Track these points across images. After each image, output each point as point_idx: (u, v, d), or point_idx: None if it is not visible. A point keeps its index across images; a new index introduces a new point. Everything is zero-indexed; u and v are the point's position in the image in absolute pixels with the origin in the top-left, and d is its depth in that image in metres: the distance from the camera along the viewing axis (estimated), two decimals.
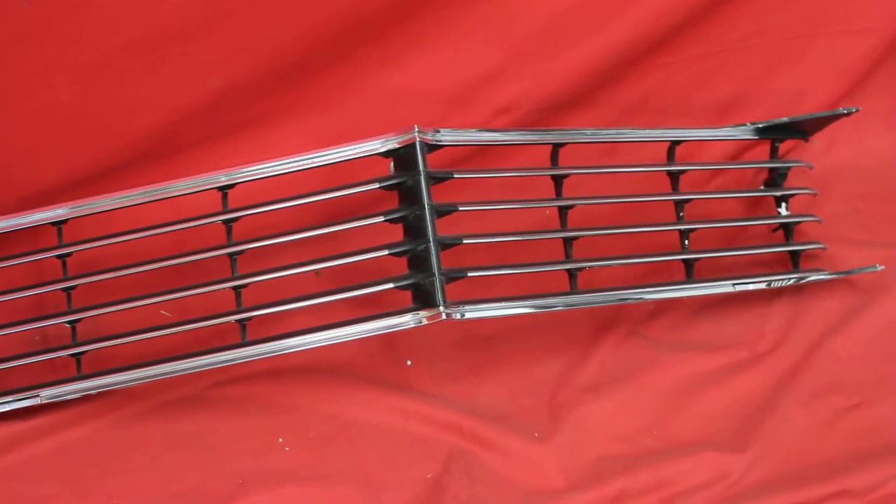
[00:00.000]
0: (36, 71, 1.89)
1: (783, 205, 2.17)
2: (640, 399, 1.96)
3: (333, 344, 1.85)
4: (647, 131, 2.05)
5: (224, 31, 1.93)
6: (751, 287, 2.04)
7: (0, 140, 1.95)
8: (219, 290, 1.87)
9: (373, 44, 2.03)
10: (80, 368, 1.86)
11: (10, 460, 1.85)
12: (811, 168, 2.21)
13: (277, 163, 1.88)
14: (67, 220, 1.90)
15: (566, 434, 1.91)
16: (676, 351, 2.02)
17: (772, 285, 2.07)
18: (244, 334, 1.84)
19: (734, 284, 2.02)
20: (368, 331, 1.84)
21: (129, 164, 2.01)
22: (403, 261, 1.87)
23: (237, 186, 1.89)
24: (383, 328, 1.83)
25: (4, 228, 1.90)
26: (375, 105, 2.09)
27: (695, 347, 2.03)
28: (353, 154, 1.86)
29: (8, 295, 1.90)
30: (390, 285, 1.85)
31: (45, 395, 1.84)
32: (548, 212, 2.06)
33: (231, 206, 1.89)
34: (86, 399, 1.88)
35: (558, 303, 1.92)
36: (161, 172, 2.00)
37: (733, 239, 2.19)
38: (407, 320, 1.82)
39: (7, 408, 1.85)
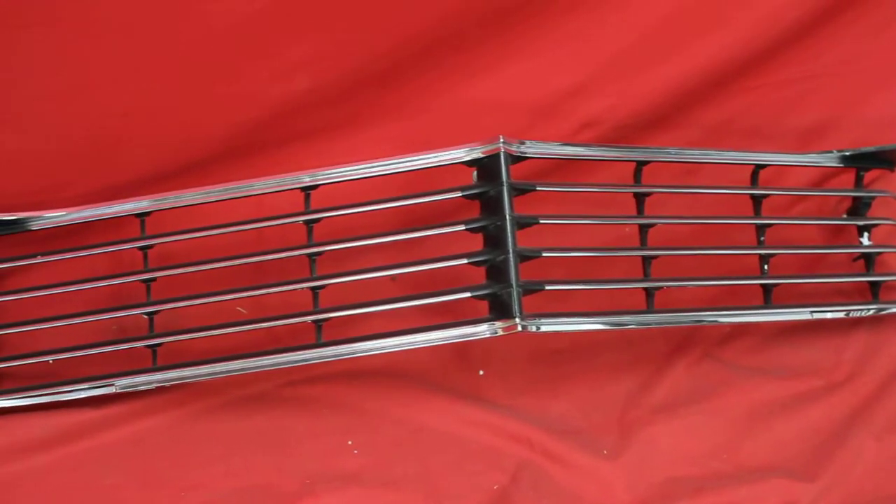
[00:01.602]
0: (130, 62, 1.89)
1: (865, 234, 2.15)
2: (711, 422, 1.95)
3: (407, 350, 1.84)
4: (732, 153, 2.03)
5: (316, 32, 1.94)
6: (829, 316, 2.02)
7: (89, 129, 1.95)
8: (297, 289, 1.87)
9: (462, 53, 2.03)
10: (155, 360, 1.87)
11: (79, 447, 1.87)
12: None
13: (362, 166, 1.88)
14: (151, 212, 1.92)
15: (635, 453, 1.90)
16: (750, 375, 2.00)
17: (850, 315, 2.05)
18: (319, 335, 1.85)
19: (812, 312, 2.00)
20: (443, 338, 1.84)
21: (214, 159, 2.01)
22: (479, 269, 1.86)
23: (319, 188, 1.89)
24: (458, 337, 1.83)
25: (88, 217, 1.93)
26: (460, 113, 2.09)
27: (769, 373, 2.02)
28: (438, 161, 1.87)
29: (89, 283, 1.92)
30: (468, 294, 1.84)
31: (120, 384, 1.86)
32: (627, 229, 2.04)
33: (313, 206, 1.89)
34: (159, 391, 1.89)
35: (634, 321, 1.91)
36: (245, 170, 2.01)
37: (813, 266, 2.16)
38: (482, 330, 1.82)
39: (82, 395, 1.88)
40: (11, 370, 1.94)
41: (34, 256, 1.95)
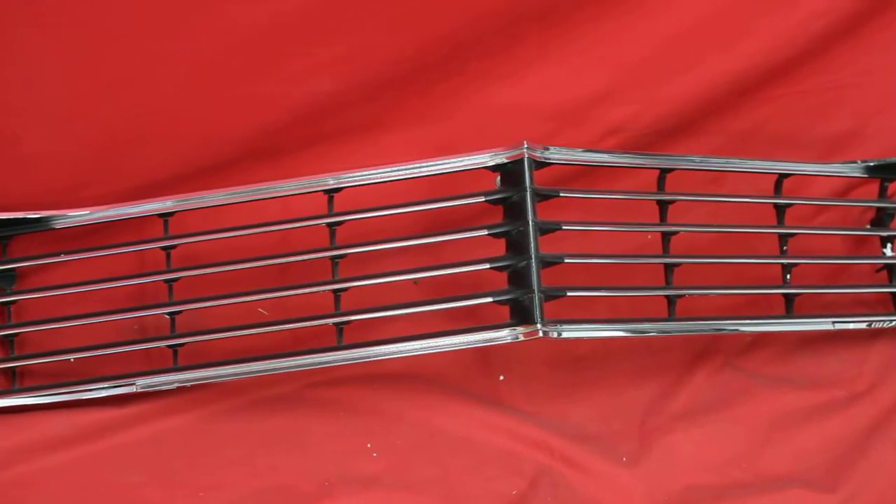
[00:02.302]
0: (154, 62, 1.90)
1: (889, 245, 2.14)
2: (731, 431, 1.94)
3: (428, 353, 1.84)
4: (756, 162, 2.03)
5: (340, 35, 1.94)
6: (851, 326, 2.02)
7: (113, 129, 1.96)
8: (319, 292, 1.87)
9: (486, 58, 2.03)
10: (176, 360, 1.88)
11: (101, 446, 1.87)
12: None
13: (385, 169, 1.89)
14: (174, 212, 1.92)
15: (654, 460, 1.90)
16: (771, 385, 2.00)
17: (872, 326, 2.04)
18: (341, 338, 1.85)
19: (834, 322, 2.00)
20: (464, 343, 1.84)
21: (238, 160, 2.02)
22: (500, 274, 1.86)
23: (342, 190, 1.90)
24: (479, 341, 1.84)
25: (112, 217, 1.94)
26: (484, 118, 2.09)
27: (790, 382, 2.01)
28: (462, 166, 1.87)
29: (111, 283, 1.93)
30: (489, 299, 1.85)
31: (141, 383, 1.86)
32: (650, 236, 2.04)
33: (336, 209, 1.89)
34: (180, 391, 1.90)
35: (655, 328, 1.90)
36: (268, 171, 2.02)
37: (836, 276, 2.16)
38: (504, 335, 1.82)
39: (102, 394, 1.88)
40: (33, 368, 1.95)
41: (57, 255, 1.96)
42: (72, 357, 1.91)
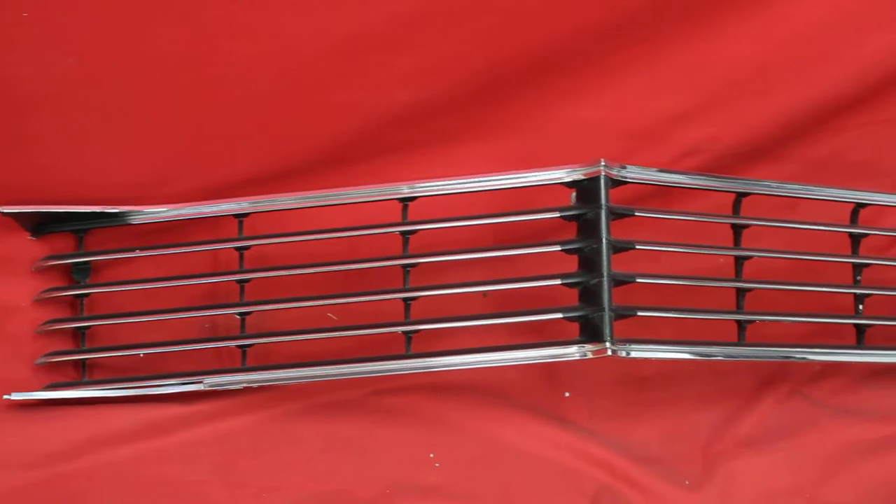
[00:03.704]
0: (239, 64, 1.91)
1: None
2: (796, 459, 1.93)
3: (495, 367, 1.83)
4: (833, 190, 2.01)
5: (421, 45, 1.94)
6: None
7: (193, 128, 1.98)
8: (390, 299, 1.88)
9: (565, 74, 2.03)
10: (245, 360, 1.89)
11: (166, 442, 1.88)
12: None
13: (462, 181, 1.90)
14: (250, 213, 1.93)
15: (717, 485, 1.89)
16: (839, 416, 1.98)
17: None
18: (409, 346, 1.85)
19: None
20: (532, 358, 1.84)
21: (314, 166, 2.03)
22: (568, 290, 1.86)
23: (416, 199, 1.90)
24: (547, 357, 1.84)
25: (189, 215, 1.96)
26: (560, 134, 2.09)
27: (858, 414, 1.99)
28: (538, 181, 1.87)
29: (185, 280, 1.95)
30: (559, 315, 1.85)
31: (209, 382, 1.88)
32: (721, 259, 2.03)
33: (409, 218, 1.90)
34: (246, 391, 1.91)
35: (722, 353, 1.90)
36: (343, 178, 2.03)
37: None
38: (572, 352, 1.82)
39: (170, 390, 1.89)
40: (102, 361, 1.97)
41: (132, 250, 1.97)
42: (142, 352, 1.93)
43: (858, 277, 2.02)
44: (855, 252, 2.03)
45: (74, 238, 1.99)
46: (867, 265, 2.02)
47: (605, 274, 1.81)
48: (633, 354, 1.81)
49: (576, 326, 1.85)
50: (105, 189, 1.99)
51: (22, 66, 1.87)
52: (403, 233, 1.90)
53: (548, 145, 2.08)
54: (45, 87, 1.90)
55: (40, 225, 1.99)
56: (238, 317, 1.91)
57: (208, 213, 1.95)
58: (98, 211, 1.95)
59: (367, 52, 1.93)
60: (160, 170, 1.99)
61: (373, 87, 1.99)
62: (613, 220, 1.84)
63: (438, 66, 1.98)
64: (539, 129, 2.09)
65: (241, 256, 1.93)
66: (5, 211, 1.94)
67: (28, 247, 2.00)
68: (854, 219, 2.04)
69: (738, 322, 1.91)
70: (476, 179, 1.89)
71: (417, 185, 1.90)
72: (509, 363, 1.84)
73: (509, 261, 2.00)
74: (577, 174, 1.86)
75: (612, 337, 1.79)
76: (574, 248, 1.86)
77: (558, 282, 1.85)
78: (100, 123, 1.95)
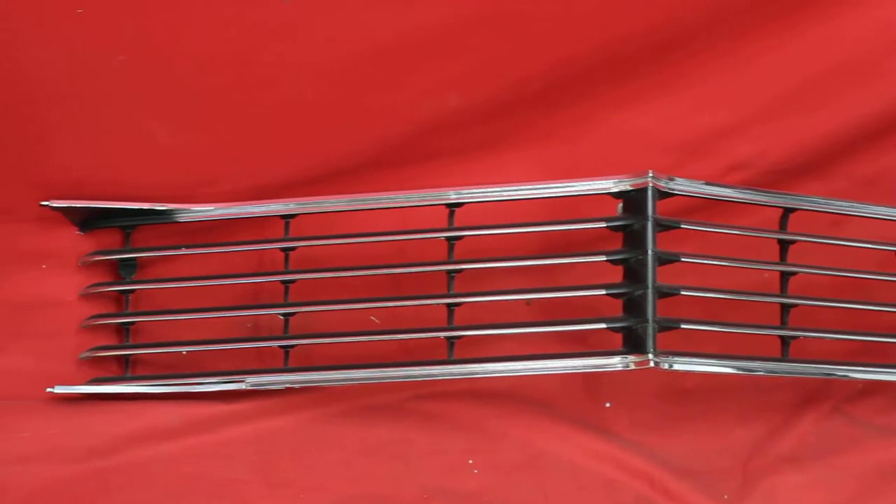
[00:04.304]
0: (283, 66, 1.92)
1: None
2: (837, 478, 1.91)
3: (536, 375, 1.84)
4: (881, 208, 2.01)
5: (472, 50, 1.94)
6: None
7: (239, 129, 1.98)
8: (434, 304, 1.88)
9: (615, 84, 2.03)
10: (287, 361, 1.90)
11: (207, 440, 1.89)
12: None
13: (508, 188, 1.90)
14: (296, 214, 1.94)
15: (756, 501, 1.88)
16: (882, 435, 1.97)
17: None
18: (451, 352, 1.86)
19: None
20: (574, 367, 1.84)
21: (360, 168, 2.03)
22: (613, 300, 1.86)
23: (463, 206, 1.91)
24: (590, 367, 1.84)
25: (236, 214, 1.97)
26: (607, 144, 2.08)
27: None
28: (585, 190, 1.87)
29: (231, 279, 1.97)
30: (603, 325, 1.85)
31: (251, 381, 1.89)
32: (766, 275, 2.02)
33: (455, 224, 1.90)
34: (287, 391, 1.91)
35: (765, 368, 1.89)
36: (388, 181, 2.03)
37: None
38: (615, 363, 1.82)
39: (212, 388, 1.90)
40: (146, 357, 1.99)
41: (178, 248, 1.98)
42: (185, 349, 1.94)
43: None
44: None
45: (121, 234, 2.01)
46: None
47: (649, 285, 1.81)
48: (676, 367, 1.81)
49: (619, 337, 1.85)
50: (153, 187, 2.00)
51: (74, 63, 1.88)
52: (449, 238, 1.90)
53: (594, 154, 2.09)
54: (96, 84, 1.91)
55: (88, 220, 2.00)
56: (282, 317, 1.91)
57: (255, 213, 1.96)
58: (146, 208, 1.97)
59: (417, 55, 1.93)
60: (206, 169, 2.00)
61: (420, 91, 1.99)
62: (659, 231, 1.84)
63: (488, 72, 1.98)
64: (587, 137, 2.09)
65: (287, 257, 1.94)
66: (55, 205, 1.95)
67: (76, 242, 2.02)
68: None
69: (782, 338, 1.90)
70: (523, 187, 1.90)
71: (464, 190, 1.91)
72: (551, 372, 1.84)
73: (553, 269, 1.99)
74: (624, 185, 1.85)
75: (654, 349, 1.79)
76: (619, 259, 1.86)
77: (603, 292, 1.85)
78: (147, 122, 1.95)
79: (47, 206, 1.96)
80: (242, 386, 1.89)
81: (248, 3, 1.87)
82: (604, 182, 1.86)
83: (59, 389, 1.90)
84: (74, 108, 1.93)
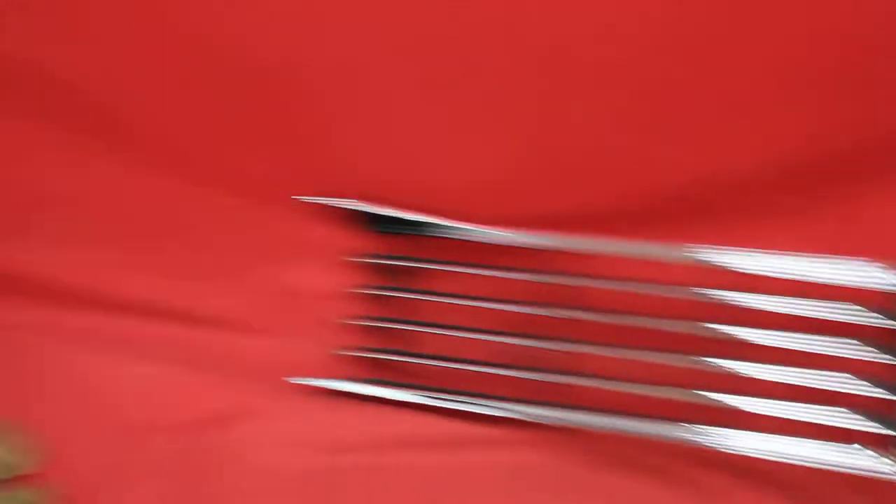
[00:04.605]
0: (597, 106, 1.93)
1: None
2: None
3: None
4: None
5: (775, 113, 1.92)
6: None
7: (523, 164, 2.00)
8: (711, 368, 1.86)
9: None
10: (556, 398, 1.90)
11: (453, 459, 1.91)
12: None
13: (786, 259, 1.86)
14: (583, 250, 1.94)
15: None
16: None
17: None
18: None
19: None
20: (832, 464, 1.81)
21: (645, 214, 2.02)
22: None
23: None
24: (850, 468, 1.80)
25: (530, 244, 1.96)
26: (876, 228, 2.01)
27: None
28: (855, 279, 1.83)
29: (508, 305, 1.97)
30: (876, 425, 1.81)
31: (521, 412, 1.90)
32: None
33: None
34: (546, 427, 1.93)
35: None
36: (639, 231, 2.01)
37: None
38: (886, 471, 1.78)
39: (480, 410, 1.93)
40: (395, 364, 2.02)
41: (461, 265, 2.00)
42: (466, 367, 1.96)
43: None
44: None
45: (399, 239, 2.02)
46: None
47: None
48: None
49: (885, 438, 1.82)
50: (436, 198, 2.00)
51: (378, 75, 1.90)
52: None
53: (860, 237, 2.02)
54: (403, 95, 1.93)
55: (370, 222, 2.01)
56: (555, 352, 1.91)
57: (540, 245, 1.96)
58: (443, 223, 1.98)
59: (723, 113, 1.91)
60: (499, 194, 2.00)
61: (710, 149, 1.97)
62: None
63: (787, 136, 1.94)
64: (860, 221, 2.01)
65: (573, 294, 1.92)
66: (350, 207, 1.98)
67: (353, 240, 2.04)
68: None
69: None
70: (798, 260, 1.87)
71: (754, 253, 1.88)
72: (813, 465, 1.81)
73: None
74: None
75: None
76: None
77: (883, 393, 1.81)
78: (446, 135, 1.97)
79: (339, 206, 2.01)
80: (511, 414, 1.91)
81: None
82: (875, 270, 1.82)
83: (314, 382, 1.97)
84: (371, 115, 1.97)
